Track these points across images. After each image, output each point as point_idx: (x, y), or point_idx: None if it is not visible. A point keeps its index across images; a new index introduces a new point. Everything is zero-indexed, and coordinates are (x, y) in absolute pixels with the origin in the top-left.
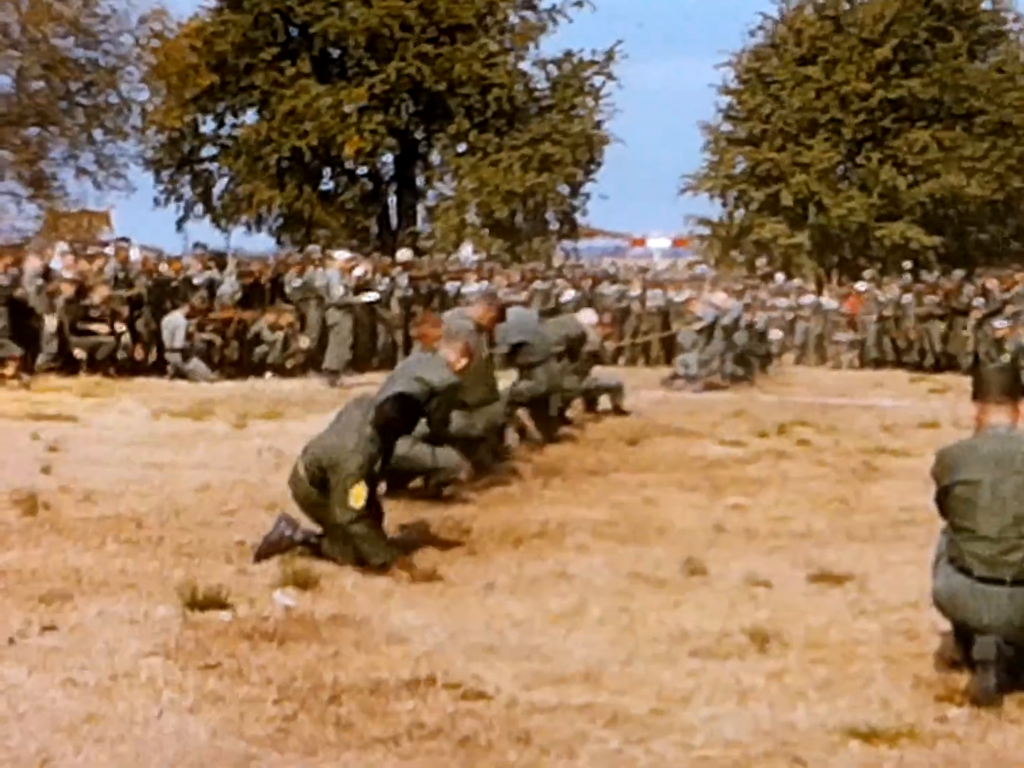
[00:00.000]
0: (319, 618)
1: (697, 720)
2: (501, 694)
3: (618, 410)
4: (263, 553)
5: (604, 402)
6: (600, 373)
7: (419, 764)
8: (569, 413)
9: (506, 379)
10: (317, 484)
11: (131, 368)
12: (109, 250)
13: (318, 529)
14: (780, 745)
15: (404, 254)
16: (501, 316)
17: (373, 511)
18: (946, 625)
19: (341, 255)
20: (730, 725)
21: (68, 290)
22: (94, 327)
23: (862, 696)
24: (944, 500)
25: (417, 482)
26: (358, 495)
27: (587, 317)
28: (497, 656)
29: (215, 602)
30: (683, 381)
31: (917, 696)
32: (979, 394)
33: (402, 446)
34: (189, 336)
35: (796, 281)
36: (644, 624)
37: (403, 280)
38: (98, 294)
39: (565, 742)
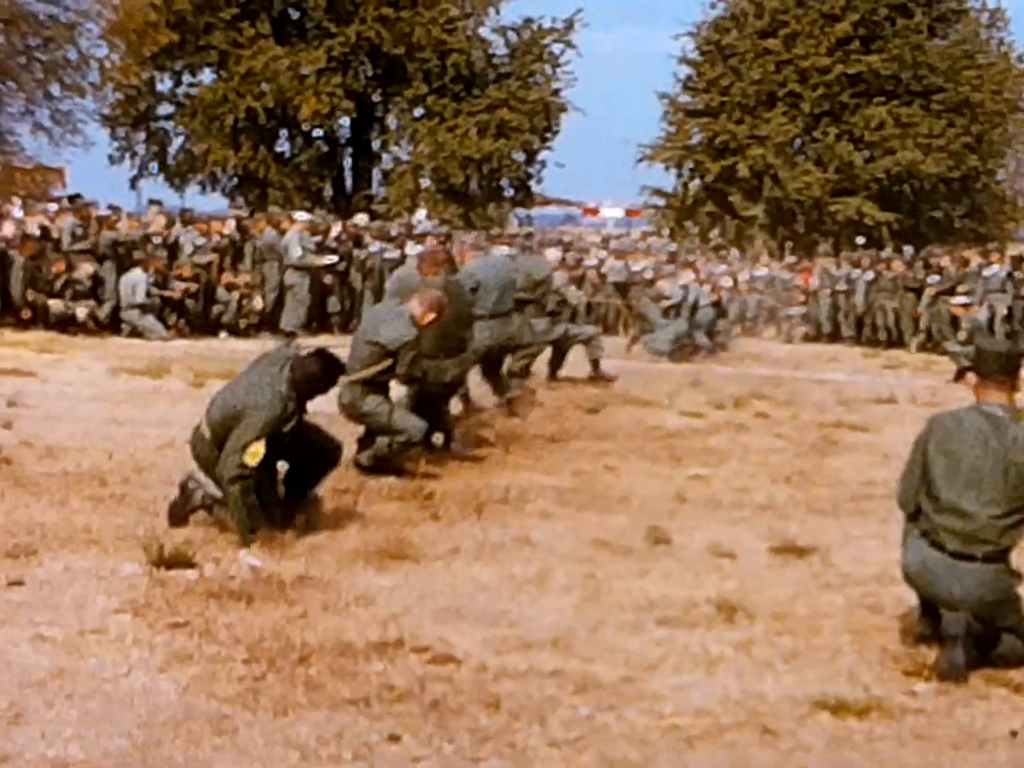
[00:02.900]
0: (286, 578)
1: (666, 688)
2: (470, 658)
3: (596, 366)
4: (172, 521)
5: (568, 371)
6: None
7: (390, 726)
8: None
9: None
10: (220, 444)
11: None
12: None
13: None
14: (750, 715)
15: (360, 219)
16: (452, 269)
17: (268, 479)
18: (911, 599)
19: (301, 216)
20: (699, 694)
21: (30, 249)
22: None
23: (829, 668)
24: (923, 468)
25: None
26: (254, 453)
27: (553, 255)
28: (464, 621)
29: (181, 560)
30: (655, 353)
31: (884, 670)
32: (981, 370)
33: (369, 403)
34: (148, 294)
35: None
36: (610, 592)
37: (375, 247)
38: (83, 271)
39: (535, 708)
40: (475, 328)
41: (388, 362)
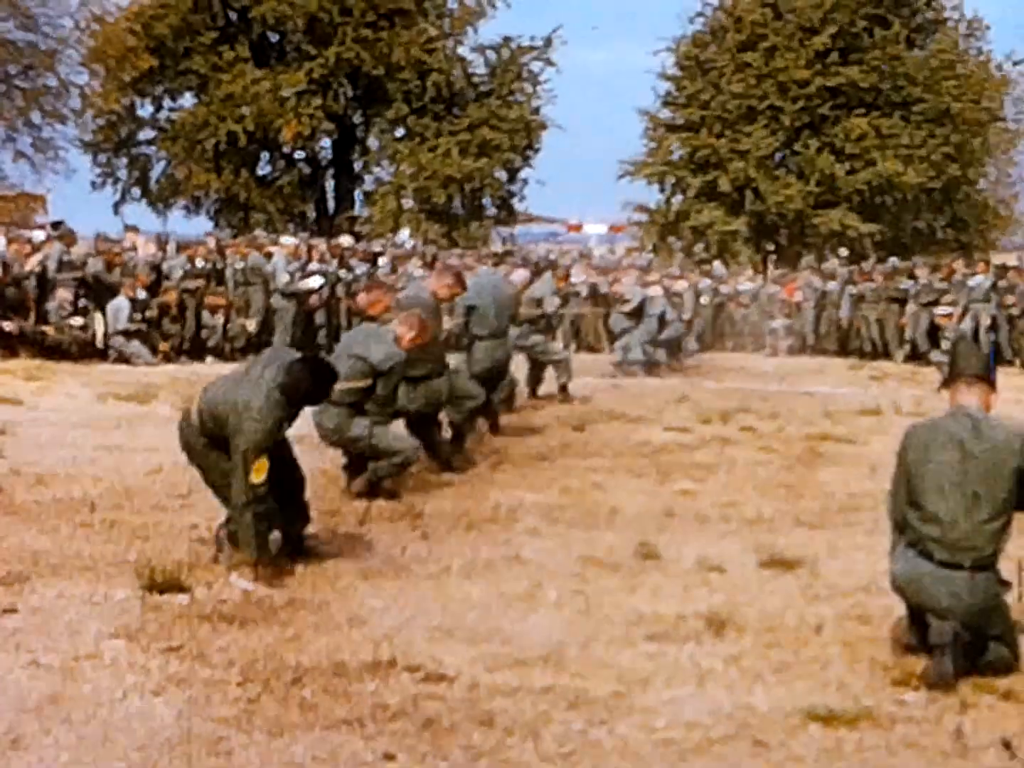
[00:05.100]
0: (277, 601)
1: (658, 703)
2: (462, 676)
3: (563, 390)
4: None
5: (548, 387)
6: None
7: (384, 745)
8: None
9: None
10: (209, 435)
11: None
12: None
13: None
14: (741, 727)
15: (345, 240)
16: (462, 287)
17: (272, 490)
18: (899, 609)
19: (288, 240)
20: (690, 708)
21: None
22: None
23: (819, 679)
24: (907, 479)
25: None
26: (259, 469)
27: (519, 277)
28: (456, 639)
29: (173, 585)
30: (631, 365)
31: (874, 680)
32: (952, 374)
33: (357, 427)
34: (131, 319)
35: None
36: (600, 608)
37: (361, 268)
38: (59, 297)
39: (528, 724)
40: (474, 350)
41: (368, 381)
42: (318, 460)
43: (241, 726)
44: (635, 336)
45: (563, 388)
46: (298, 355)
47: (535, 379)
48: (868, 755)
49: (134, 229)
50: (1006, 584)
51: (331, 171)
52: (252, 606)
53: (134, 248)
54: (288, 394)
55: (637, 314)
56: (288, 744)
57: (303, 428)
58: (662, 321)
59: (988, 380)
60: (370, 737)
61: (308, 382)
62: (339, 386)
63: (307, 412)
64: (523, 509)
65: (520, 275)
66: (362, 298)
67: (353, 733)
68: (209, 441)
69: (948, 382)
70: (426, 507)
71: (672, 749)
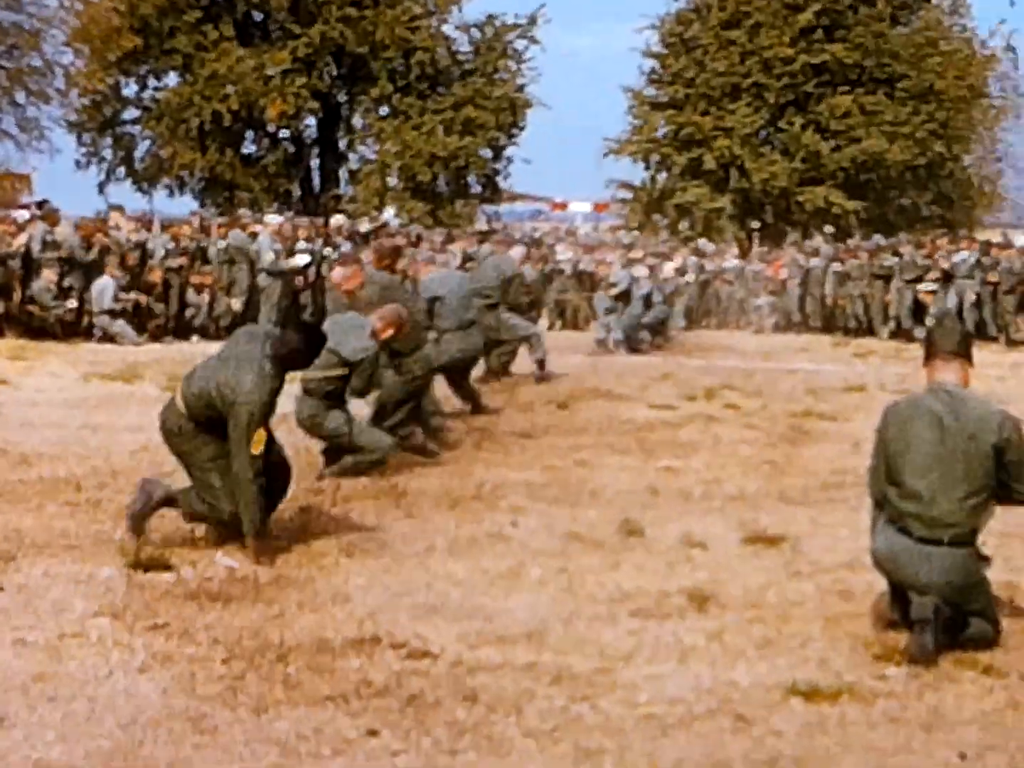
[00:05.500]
0: (262, 579)
1: (640, 678)
2: (446, 653)
3: (541, 366)
4: (134, 528)
5: (523, 366)
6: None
7: (369, 721)
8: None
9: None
10: (196, 419)
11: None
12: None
13: (175, 484)
14: (723, 703)
15: (338, 219)
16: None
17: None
18: (881, 585)
19: (273, 219)
20: (673, 683)
21: None
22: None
23: (801, 655)
24: (886, 456)
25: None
26: (259, 441)
27: (517, 253)
28: (440, 616)
29: (158, 563)
30: (611, 344)
31: (855, 655)
32: (929, 351)
33: (335, 421)
34: (116, 298)
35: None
36: (583, 585)
37: (346, 247)
38: (44, 278)
39: (511, 700)
40: (441, 341)
41: (344, 371)
42: (302, 439)
43: (226, 703)
44: (621, 319)
45: (540, 364)
46: (275, 329)
47: (505, 358)
48: (850, 730)
49: (118, 209)
50: (986, 560)
51: (316, 150)
52: (237, 584)
53: (118, 227)
54: (281, 359)
55: (624, 297)
56: (272, 720)
57: (287, 406)
58: (648, 302)
59: (966, 356)
60: (354, 714)
61: (302, 344)
62: (311, 374)
63: (292, 394)
64: (507, 487)
65: (518, 251)
66: (337, 273)
67: (338, 710)
68: (197, 425)
69: (926, 359)
70: (410, 485)
71: (654, 724)
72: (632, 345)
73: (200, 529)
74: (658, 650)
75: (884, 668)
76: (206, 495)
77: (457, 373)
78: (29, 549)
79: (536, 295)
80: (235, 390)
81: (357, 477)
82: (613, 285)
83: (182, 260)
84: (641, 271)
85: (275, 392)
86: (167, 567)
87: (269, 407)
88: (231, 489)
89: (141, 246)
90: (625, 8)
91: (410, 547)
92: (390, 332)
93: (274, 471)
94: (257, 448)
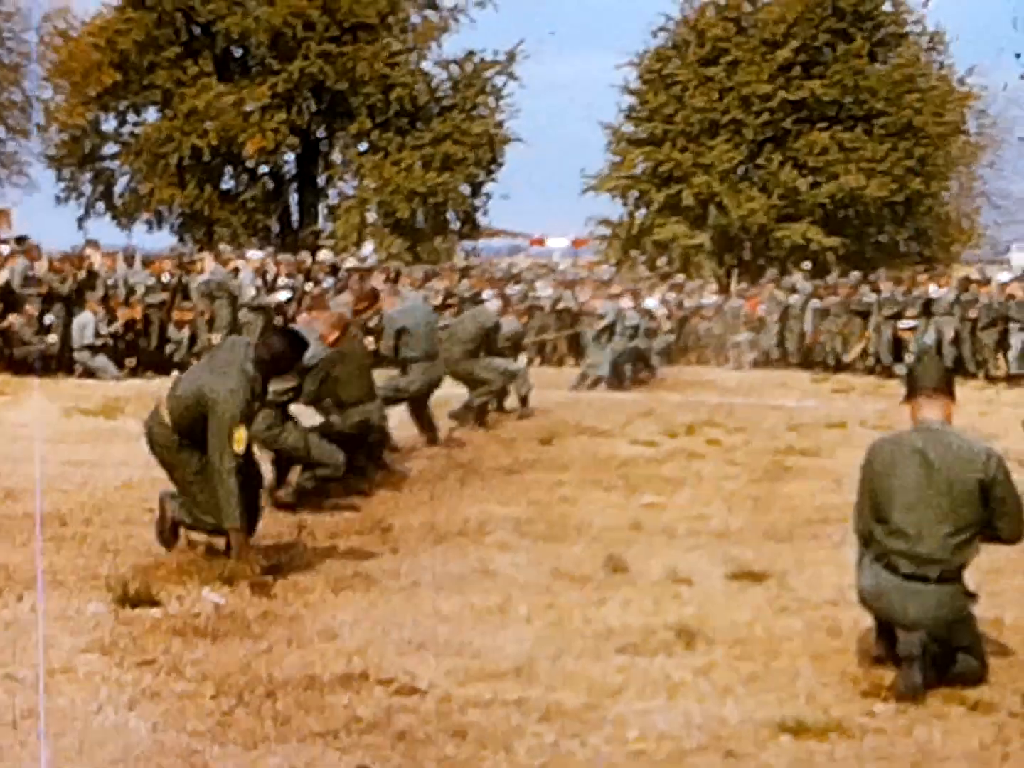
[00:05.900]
0: (249, 615)
1: (629, 714)
2: (434, 689)
3: (524, 403)
4: (162, 539)
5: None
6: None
7: (358, 757)
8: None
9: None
10: (182, 431)
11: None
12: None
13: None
14: (712, 739)
15: (325, 254)
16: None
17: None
18: (867, 621)
19: (255, 255)
20: (662, 719)
21: None
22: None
23: (789, 691)
24: (871, 494)
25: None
26: (240, 439)
27: (493, 305)
28: (428, 652)
29: (145, 599)
30: (597, 380)
31: (843, 691)
32: (911, 388)
33: (289, 434)
34: (97, 333)
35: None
36: (570, 620)
37: (328, 282)
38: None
39: (501, 736)
40: (408, 371)
41: (297, 380)
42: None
43: (216, 739)
44: (606, 352)
45: (523, 400)
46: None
47: (499, 395)
48: (838, 766)
49: (94, 244)
50: (973, 596)
51: (295, 185)
52: (224, 619)
53: (92, 264)
54: (264, 364)
55: (609, 330)
56: (262, 756)
57: None
58: (633, 334)
59: (948, 392)
60: (344, 749)
61: (284, 348)
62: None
63: None
64: (492, 522)
65: (495, 305)
66: (324, 328)
67: (327, 745)
68: (181, 439)
69: (908, 396)
70: (395, 521)
71: (644, 760)
72: (618, 376)
73: (187, 562)
74: (646, 686)
75: (872, 704)
76: (192, 507)
77: (418, 402)
78: (16, 585)
79: (516, 342)
80: (216, 389)
81: (317, 494)
82: (601, 318)
83: (163, 296)
84: (625, 302)
85: (257, 395)
86: (154, 602)
87: (249, 407)
88: (214, 503)
89: (125, 282)
90: (602, 40)
91: (396, 582)
92: (336, 335)
93: (250, 481)
94: (239, 446)
